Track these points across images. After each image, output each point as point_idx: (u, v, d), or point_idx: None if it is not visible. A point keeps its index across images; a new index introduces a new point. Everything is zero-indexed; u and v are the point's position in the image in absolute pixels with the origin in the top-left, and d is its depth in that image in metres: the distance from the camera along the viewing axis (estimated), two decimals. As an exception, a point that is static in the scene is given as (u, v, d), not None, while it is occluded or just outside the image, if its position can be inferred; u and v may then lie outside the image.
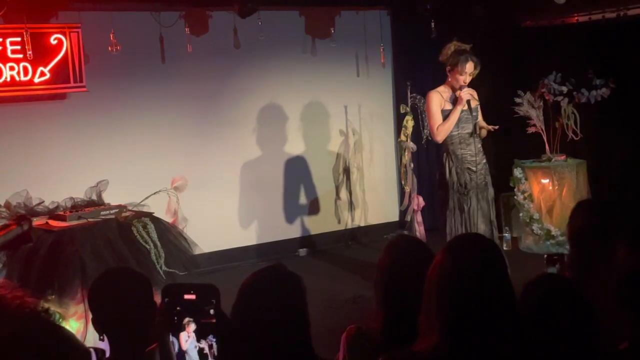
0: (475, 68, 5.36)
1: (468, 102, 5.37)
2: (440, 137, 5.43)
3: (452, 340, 1.89)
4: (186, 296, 2.02)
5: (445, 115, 5.42)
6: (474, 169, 5.43)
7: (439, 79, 5.70)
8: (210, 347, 2.02)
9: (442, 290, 1.93)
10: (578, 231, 2.65)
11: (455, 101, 5.43)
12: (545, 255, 2.77)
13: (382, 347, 2.25)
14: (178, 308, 2.03)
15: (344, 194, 7.81)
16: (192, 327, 2.03)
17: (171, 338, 2.04)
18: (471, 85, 5.50)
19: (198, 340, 2.03)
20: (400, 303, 2.35)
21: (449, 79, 5.47)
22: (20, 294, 2.20)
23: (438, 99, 5.44)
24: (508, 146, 7.34)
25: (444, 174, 5.50)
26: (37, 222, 4.48)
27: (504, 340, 1.89)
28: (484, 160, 5.53)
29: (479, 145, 5.49)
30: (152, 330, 2.14)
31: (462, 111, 5.41)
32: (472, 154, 5.41)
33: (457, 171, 5.42)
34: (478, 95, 5.61)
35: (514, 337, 1.91)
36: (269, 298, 2.08)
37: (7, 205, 4.66)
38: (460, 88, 5.36)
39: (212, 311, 2.01)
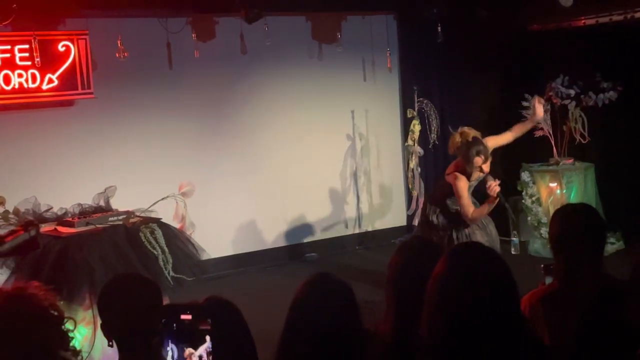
0: (484, 162, 5.09)
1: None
2: (472, 220, 5.22)
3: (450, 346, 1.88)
4: (182, 316, 2.03)
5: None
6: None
7: (445, 84, 5.68)
8: (209, 354, 2.01)
9: (444, 300, 1.92)
10: (558, 237, 2.62)
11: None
12: (542, 265, 2.73)
13: (393, 348, 2.25)
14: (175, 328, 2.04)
15: (351, 198, 7.81)
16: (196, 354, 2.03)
17: (170, 345, 2.04)
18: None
19: (195, 349, 2.02)
20: (411, 304, 2.34)
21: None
22: (51, 296, 2.25)
23: (465, 180, 5.15)
24: (516, 150, 7.29)
25: (428, 216, 5.45)
26: (45, 228, 4.49)
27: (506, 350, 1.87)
28: None
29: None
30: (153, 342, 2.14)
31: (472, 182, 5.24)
32: None
33: (437, 215, 5.38)
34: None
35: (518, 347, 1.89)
36: (323, 311, 2.09)
37: (16, 211, 4.67)
38: (487, 178, 5.05)
39: (208, 333, 2.01)
